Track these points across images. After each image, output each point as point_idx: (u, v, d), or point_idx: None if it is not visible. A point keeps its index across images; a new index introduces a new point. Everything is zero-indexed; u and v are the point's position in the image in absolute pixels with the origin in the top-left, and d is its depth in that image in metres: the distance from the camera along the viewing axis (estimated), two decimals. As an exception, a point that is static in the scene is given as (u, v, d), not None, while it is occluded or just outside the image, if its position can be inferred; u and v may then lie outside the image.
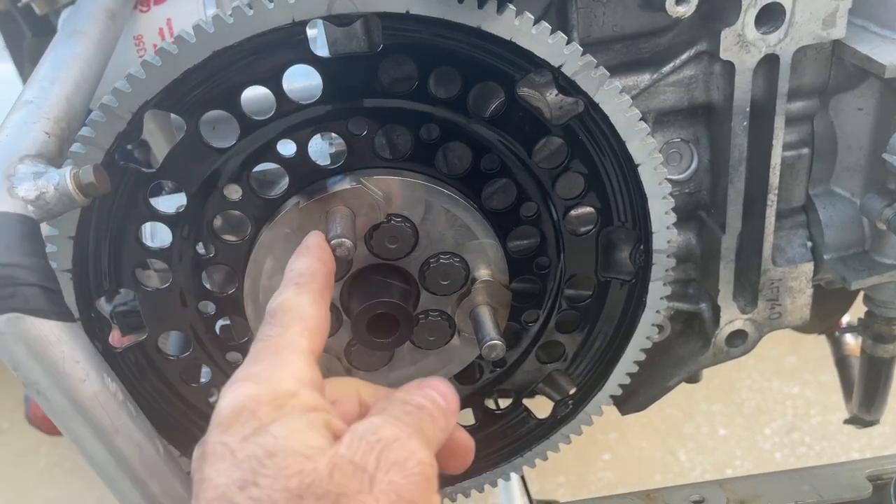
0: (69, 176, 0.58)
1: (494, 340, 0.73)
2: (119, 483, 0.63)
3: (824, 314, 1.08)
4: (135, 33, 0.99)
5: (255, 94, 0.69)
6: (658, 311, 0.82)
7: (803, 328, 1.10)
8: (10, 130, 0.62)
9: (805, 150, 0.83)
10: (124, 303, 0.87)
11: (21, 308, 0.54)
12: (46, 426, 1.59)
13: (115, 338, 0.81)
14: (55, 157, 0.63)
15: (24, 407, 1.71)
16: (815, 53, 0.77)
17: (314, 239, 0.65)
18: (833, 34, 0.74)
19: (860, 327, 1.03)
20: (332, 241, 0.65)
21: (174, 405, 0.81)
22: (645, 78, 0.77)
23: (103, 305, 0.86)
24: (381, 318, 0.73)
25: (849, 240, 0.86)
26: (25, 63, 1.34)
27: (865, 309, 0.99)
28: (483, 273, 0.77)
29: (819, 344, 1.46)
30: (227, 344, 0.81)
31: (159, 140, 1.00)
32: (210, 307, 0.79)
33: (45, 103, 0.66)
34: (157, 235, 0.80)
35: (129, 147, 0.83)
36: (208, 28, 0.62)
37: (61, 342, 0.56)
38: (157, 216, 0.72)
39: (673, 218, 0.76)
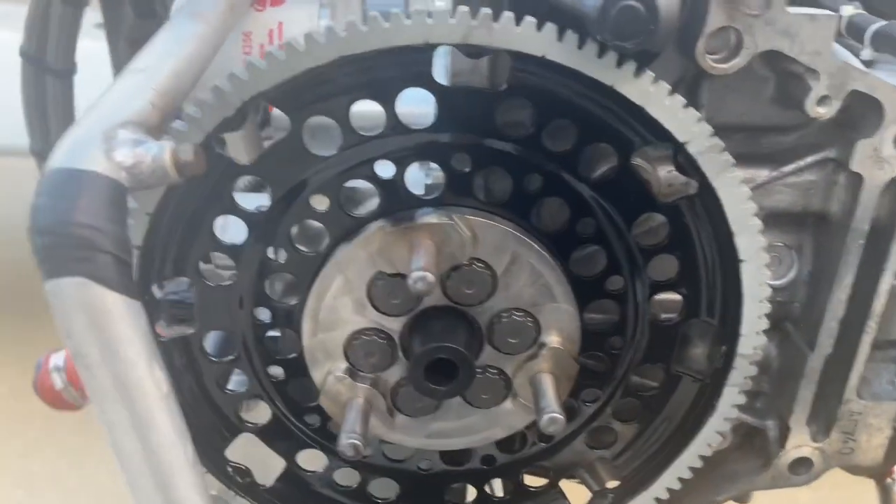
0: (168, 150, 0.56)
1: (555, 413, 0.69)
2: (140, 479, 0.59)
3: (887, 457, 1.01)
4: (244, 30, 0.99)
5: (364, 109, 0.66)
6: (726, 419, 0.77)
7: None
8: (117, 94, 0.60)
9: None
10: (175, 292, 0.84)
11: (92, 274, 0.51)
12: (51, 398, 1.56)
13: (160, 328, 0.77)
14: (155, 129, 0.61)
15: (34, 373, 1.68)
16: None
17: None
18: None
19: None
20: (415, 275, 0.62)
21: (203, 409, 0.77)
22: (762, 174, 0.73)
23: (155, 290, 0.83)
24: (440, 365, 0.69)
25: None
26: (121, 43, 1.35)
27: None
28: (554, 339, 0.73)
29: (851, 484, 1.36)
30: (273, 356, 0.77)
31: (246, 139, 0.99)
32: (265, 314, 0.75)
33: (156, 74, 0.64)
34: (227, 230, 0.78)
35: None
36: (340, 32, 0.60)
37: (123, 319, 0.53)
38: (238, 211, 0.69)
39: (765, 324, 0.72)
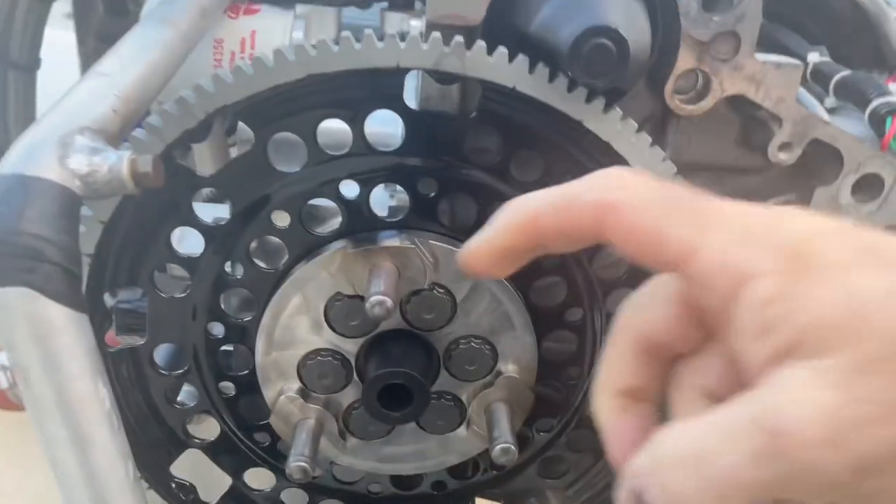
0: (126, 160, 0.54)
1: (508, 444, 0.68)
2: (78, 496, 0.57)
3: None
4: (216, 36, 0.97)
5: (332, 127, 0.66)
6: (678, 455, 0.77)
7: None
8: (78, 98, 0.59)
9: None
10: (128, 301, 0.82)
11: (37, 286, 0.50)
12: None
13: (109, 337, 0.75)
14: (115, 137, 0.60)
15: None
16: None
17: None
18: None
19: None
20: (373, 299, 0.61)
21: (149, 423, 0.75)
22: (724, 213, 0.74)
23: (107, 298, 0.81)
24: (394, 389, 0.68)
25: None
26: (90, 38, 1.32)
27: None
28: (510, 368, 0.73)
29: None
30: (225, 372, 0.75)
31: (202, 148, 0.97)
32: (218, 329, 0.74)
33: (120, 80, 0.62)
34: (184, 241, 0.76)
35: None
36: (310, 51, 0.59)
37: (67, 332, 0.51)
38: (196, 223, 0.67)
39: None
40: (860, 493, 0.36)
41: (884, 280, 0.36)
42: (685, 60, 0.63)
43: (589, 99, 0.61)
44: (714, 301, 0.40)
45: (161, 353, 0.83)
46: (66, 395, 0.53)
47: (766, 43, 0.83)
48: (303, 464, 0.68)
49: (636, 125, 0.63)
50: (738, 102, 0.67)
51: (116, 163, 0.54)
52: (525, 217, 0.43)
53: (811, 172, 0.71)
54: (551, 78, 0.61)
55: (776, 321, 0.37)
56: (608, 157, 0.65)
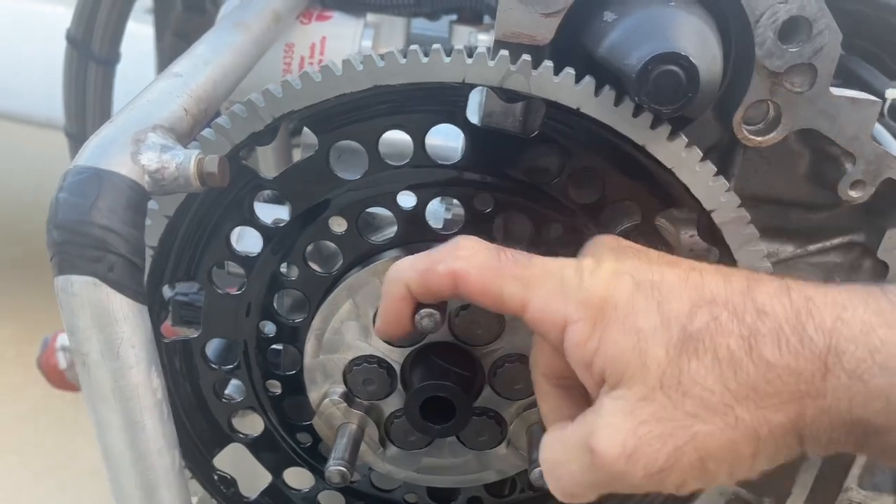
0: (194, 159, 0.56)
1: (548, 466, 0.67)
2: (125, 482, 0.58)
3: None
4: (287, 41, 1.00)
5: (393, 138, 0.66)
6: (721, 494, 0.75)
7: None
8: (153, 97, 0.61)
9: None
10: (185, 293, 0.84)
11: (102, 275, 0.52)
12: (54, 377, 1.56)
13: (165, 328, 0.78)
14: (185, 136, 0.62)
15: (38, 348, 1.68)
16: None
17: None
18: None
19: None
20: (422, 311, 0.61)
21: (194, 415, 0.77)
22: (787, 249, 0.72)
23: (165, 290, 0.84)
24: (437, 402, 0.68)
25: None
26: (168, 34, 1.37)
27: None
28: (555, 390, 0.72)
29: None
30: (272, 371, 0.77)
31: (266, 153, 1.00)
32: (270, 328, 0.75)
33: (192, 81, 0.65)
34: (242, 240, 0.78)
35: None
36: (378, 62, 0.60)
37: (127, 321, 0.53)
38: (256, 224, 0.69)
39: (772, 402, 0.70)
40: (665, 488, 0.47)
41: (654, 317, 0.47)
42: (757, 91, 0.61)
43: (654, 125, 0.60)
44: (552, 340, 0.52)
45: (212, 347, 0.85)
46: (122, 382, 0.54)
47: (842, 75, 0.81)
48: (342, 468, 0.68)
49: (700, 154, 0.61)
50: (809, 136, 0.65)
51: (184, 161, 0.56)
52: (399, 288, 0.57)
53: (882, 212, 0.68)
54: (617, 101, 0.60)
55: (590, 358, 0.49)
56: (670, 184, 0.64)
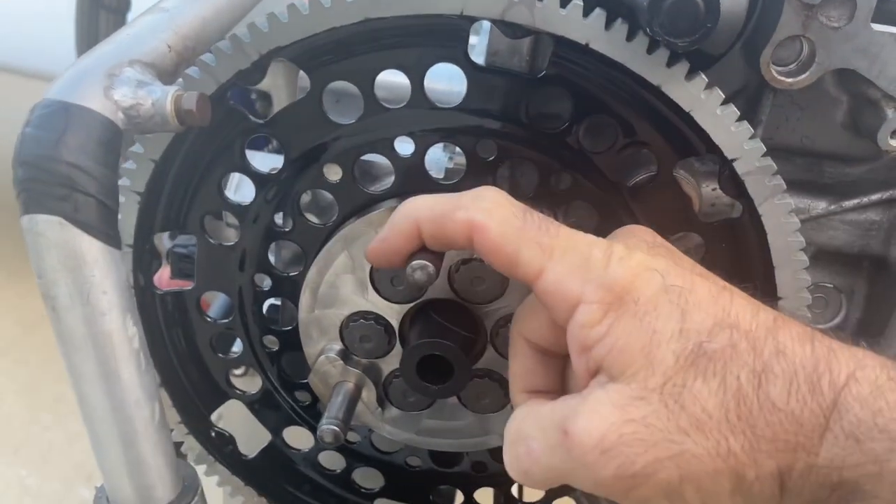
0: (171, 96, 0.52)
1: (550, 432, 0.63)
2: (102, 433, 0.56)
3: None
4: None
5: (390, 80, 0.62)
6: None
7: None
8: (134, 31, 0.57)
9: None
10: (185, 245, 0.82)
11: (69, 215, 0.49)
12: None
13: (163, 279, 0.75)
14: (169, 73, 0.58)
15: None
16: None
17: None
18: None
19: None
20: (414, 263, 0.57)
21: (191, 370, 0.75)
22: (820, 205, 0.66)
23: (165, 240, 0.81)
24: (435, 361, 0.64)
25: None
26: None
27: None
28: (562, 352, 0.68)
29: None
30: (269, 326, 0.74)
31: (281, 95, 0.96)
32: (266, 282, 0.72)
33: (179, 16, 0.61)
34: (241, 189, 0.75)
35: (248, 90, 0.79)
36: (370, -8, 0.56)
37: (97, 265, 0.50)
38: (247, 170, 0.66)
39: (797, 370, 0.65)
40: (627, 499, 0.44)
41: (674, 323, 0.45)
42: (788, 25, 0.55)
43: (670, 63, 0.55)
44: (556, 315, 0.49)
45: (218, 301, 0.83)
46: (94, 329, 0.52)
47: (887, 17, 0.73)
48: (334, 427, 0.66)
49: (722, 96, 0.56)
50: (847, 78, 0.59)
51: (161, 97, 0.52)
52: (409, 224, 0.53)
53: (927, 166, 0.62)
54: (630, 36, 0.55)
55: (592, 343, 0.46)
56: (689, 129, 0.58)
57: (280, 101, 0.97)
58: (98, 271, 0.51)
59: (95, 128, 0.50)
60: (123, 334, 0.53)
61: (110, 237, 0.51)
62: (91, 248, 0.50)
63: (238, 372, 0.83)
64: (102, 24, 1.08)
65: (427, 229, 0.53)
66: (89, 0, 1.07)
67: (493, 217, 0.50)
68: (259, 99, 1.01)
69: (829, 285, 0.71)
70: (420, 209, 0.53)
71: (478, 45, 0.65)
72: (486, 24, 0.60)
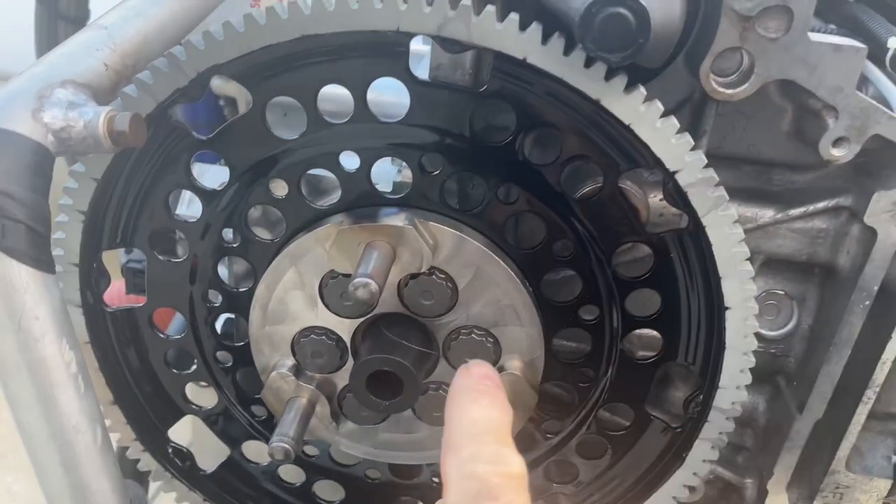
0: (103, 117, 0.52)
1: (500, 445, 0.63)
2: (43, 459, 0.56)
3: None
4: (254, -10, 0.95)
5: (334, 94, 0.62)
6: (695, 474, 0.71)
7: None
8: (68, 49, 0.56)
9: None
10: (139, 260, 0.81)
11: (-3, 243, 0.48)
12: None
13: (114, 296, 0.75)
14: (106, 93, 0.57)
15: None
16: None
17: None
18: None
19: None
20: (357, 280, 0.57)
21: (145, 386, 0.74)
22: (767, 214, 0.66)
23: (121, 255, 0.81)
24: (386, 376, 0.64)
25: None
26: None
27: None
28: (514, 365, 0.68)
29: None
30: (222, 342, 0.73)
31: (228, 110, 0.95)
32: (218, 298, 0.71)
33: (118, 34, 0.60)
34: (193, 205, 0.74)
35: (199, 106, 0.78)
36: (304, 9, 0.55)
37: (28, 291, 0.50)
38: (192, 187, 0.65)
39: (747, 378, 0.65)
40: None
41: None
42: (726, 37, 0.55)
43: (608, 76, 0.55)
44: None
45: (177, 320, 0.82)
46: (27, 356, 0.51)
47: (847, 24, 0.73)
48: (285, 444, 0.65)
49: (661, 108, 0.56)
50: (790, 88, 0.59)
51: (93, 119, 0.52)
52: None
53: (871, 173, 0.62)
54: (567, 51, 0.54)
55: None
56: (631, 142, 0.58)
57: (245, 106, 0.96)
58: (29, 297, 0.50)
59: (23, 152, 0.50)
60: (59, 359, 0.53)
61: (41, 262, 0.51)
62: (20, 274, 0.49)
63: (203, 383, 0.83)
64: (62, 34, 1.06)
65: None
66: (47, 10, 1.06)
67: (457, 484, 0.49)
68: (227, 105, 1.00)
69: (780, 292, 0.71)
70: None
71: (426, 57, 0.65)
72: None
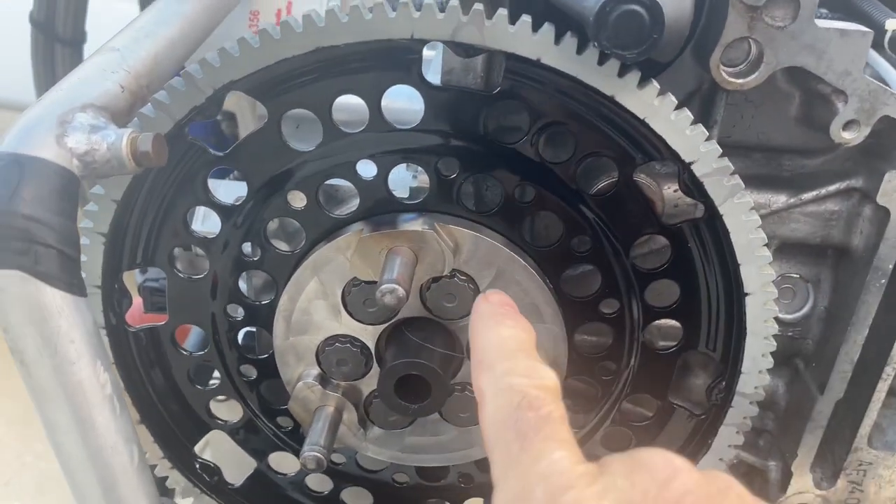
0: (126, 139, 0.52)
1: (531, 442, 0.64)
2: (80, 481, 0.56)
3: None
4: (252, 8, 0.95)
5: (348, 103, 0.62)
6: (721, 460, 0.72)
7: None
8: (84, 74, 0.57)
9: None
10: (156, 279, 0.81)
11: (30, 268, 0.48)
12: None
13: (135, 315, 0.75)
14: (123, 114, 0.58)
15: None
16: None
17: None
18: None
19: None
20: (384, 286, 0.58)
21: (170, 404, 0.75)
22: (780, 199, 0.67)
23: (136, 275, 0.81)
24: (412, 380, 0.65)
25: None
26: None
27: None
28: (538, 361, 0.68)
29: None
30: (245, 355, 0.74)
31: (245, 115, 0.95)
32: (239, 311, 0.72)
33: (131, 55, 0.61)
34: (208, 221, 0.75)
35: (209, 123, 0.78)
36: (318, 21, 0.56)
37: (62, 315, 0.50)
38: (211, 203, 0.65)
39: (770, 362, 0.66)
40: None
41: None
42: (734, 28, 0.56)
43: (622, 72, 0.55)
44: None
45: (194, 334, 0.83)
46: (64, 379, 0.52)
47: (841, 8, 0.74)
48: (317, 453, 0.66)
49: (675, 101, 0.56)
50: (797, 74, 0.60)
51: (116, 141, 0.52)
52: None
53: (881, 154, 0.63)
54: (580, 49, 0.55)
55: None
56: (645, 135, 0.59)
57: (245, 122, 0.97)
58: (64, 321, 0.51)
59: (51, 178, 0.50)
60: (95, 381, 0.53)
61: (73, 285, 0.51)
62: (55, 299, 0.50)
63: (221, 397, 0.83)
64: (59, 57, 1.06)
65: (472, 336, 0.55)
66: (44, 34, 1.06)
67: (495, 398, 0.49)
68: (224, 119, 1.00)
69: (795, 276, 0.72)
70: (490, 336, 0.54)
71: (433, 62, 0.65)
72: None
